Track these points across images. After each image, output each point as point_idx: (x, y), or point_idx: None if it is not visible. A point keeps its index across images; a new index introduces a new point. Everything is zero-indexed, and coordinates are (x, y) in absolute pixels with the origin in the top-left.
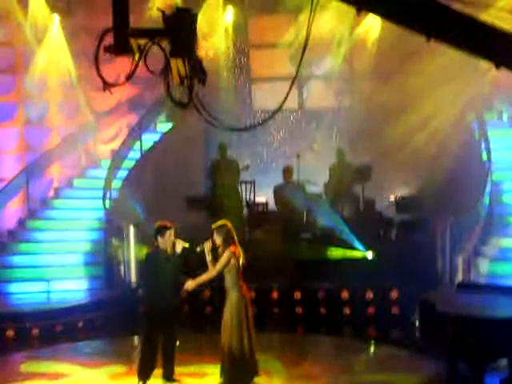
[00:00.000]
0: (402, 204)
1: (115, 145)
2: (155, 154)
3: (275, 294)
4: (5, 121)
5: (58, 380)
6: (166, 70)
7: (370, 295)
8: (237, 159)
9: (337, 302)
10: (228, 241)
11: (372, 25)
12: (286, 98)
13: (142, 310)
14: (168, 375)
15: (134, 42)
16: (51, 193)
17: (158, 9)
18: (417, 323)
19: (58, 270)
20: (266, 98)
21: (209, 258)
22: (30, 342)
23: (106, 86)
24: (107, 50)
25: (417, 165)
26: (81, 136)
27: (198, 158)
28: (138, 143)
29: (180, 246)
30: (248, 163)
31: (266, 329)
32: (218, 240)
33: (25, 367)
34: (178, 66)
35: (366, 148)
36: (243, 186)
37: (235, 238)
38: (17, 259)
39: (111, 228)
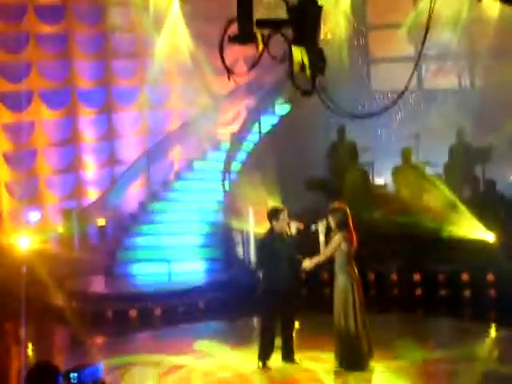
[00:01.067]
0: None
1: (235, 127)
2: (274, 137)
3: (394, 276)
4: (127, 105)
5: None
6: (288, 57)
7: (491, 277)
8: (355, 141)
9: (457, 284)
10: (342, 224)
11: (491, 1)
12: (410, 79)
13: (260, 293)
14: (288, 357)
15: (258, 31)
16: (172, 175)
17: None
18: None
19: (179, 252)
20: (384, 78)
21: (322, 238)
22: (152, 322)
23: (230, 74)
24: (232, 39)
25: None
26: (201, 119)
27: (316, 140)
28: (256, 125)
29: (294, 227)
30: (368, 146)
31: (385, 310)
32: (332, 222)
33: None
34: (299, 54)
35: (487, 128)
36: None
37: (350, 222)
38: (139, 241)
39: (230, 210)
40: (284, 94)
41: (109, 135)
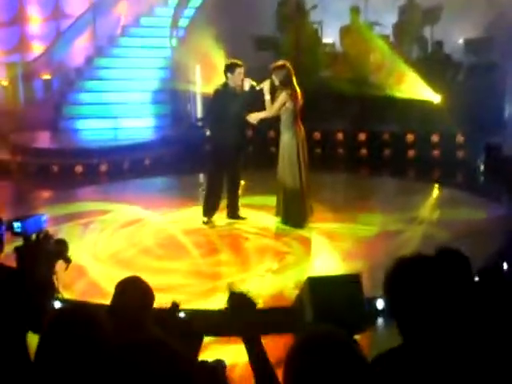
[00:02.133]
0: (471, 46)
1: None
2: None
3: (340, 136)
4: None
5: (125, 214)
6: None
7: (435, 138)
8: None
9: (402, 144)
10: (286, 82)
11: None
12: None
13: (209, 147)
14: (233, 213)
15: None
16: (118, 30)
17: None
18: (481, 167)
19: (126, 108)
20: None
21: (267, 97)
22: (98, 178)
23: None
24: None
25: (489, 3)
26: None
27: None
28: None
29: (248, 84)
30: (315, 3)
31: (330, 169)
32: (276, 81)
33: (94, 203)
34: None
35: None
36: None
37: (294, 79)
38: (84, 96)
39: (178, 67)
40: None
41: None
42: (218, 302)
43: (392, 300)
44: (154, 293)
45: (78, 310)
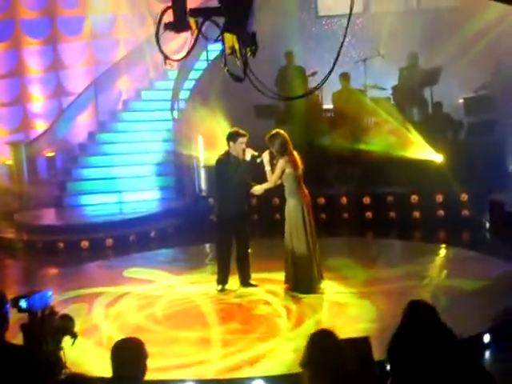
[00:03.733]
0: (471, 105)
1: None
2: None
3: (344, 200)
4: (73, 35)
5: (135, 286)
6: (221, 41)
7: (439, 198)
8: (303, 66)
9: (406, 205)
10: (282, 150)
11: None
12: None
13: (215, 216)
14: (245, 281)
15: (192, 19)
16: (120, 105)
17: None
18: (487, 225)
19: (130, 182)
20: (331, 5)
21: (267, 168)
22: (104, 253)
23: (167, 60)
24: (167, 27)
25: (487, 64)
26: (147, 48)
27: (266, 66)
28: (204, 53)
29: (249, 154)
30: (315, 70)
31: (336, 234)
32: (273, 150)
33: (104, 276)
34: (230, 39)
35: (434, 51)
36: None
37: (290, 146)
38: (88, 172)
39: (180, 138)
40: None
41: (55, 66)
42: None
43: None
44: (163, 360)
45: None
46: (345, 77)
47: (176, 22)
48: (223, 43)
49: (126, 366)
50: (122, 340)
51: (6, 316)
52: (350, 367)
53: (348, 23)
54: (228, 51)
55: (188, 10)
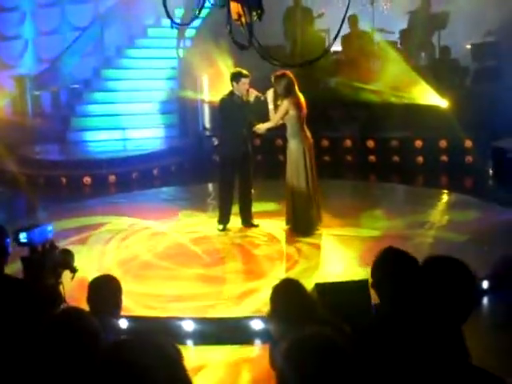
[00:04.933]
0: (478, 51)
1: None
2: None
3: (348, 142)
4: None
5: (136, 224)
6: (227, 8)
7: (443, 144)
8: (311, 7)
9: (410, 150)
10: (287, 91)
11: None
12: None
13: (218, 155)
14: (246, 221)
15: None
16: (126, 42)
17: None
18: (490, 171)
19: (134, 119)
20: None
21: (271, 106)
22: (106, 189)
23: (175, 24)
24: None
25: (496, 9)
26: None
27: (273, 5)
28: None
29: (253, 94)
30: (323, 11)
31: (339, 176)
32: (278, 90)
33: (103, 214)
34: (236, 5)
35: None
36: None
37: (295, 88)
38: (92, 108)
39: (185, 77)
40: None
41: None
42: (226, 309)
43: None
44: (164, 301)
45: (70, 315)
46: (354, 19)
47: None
48: (229, 9)
49: (103, 302)
50: (98, 277)
51: (6, 249)
52: (317, 315)
53: None
54: (235, 17)
55: None
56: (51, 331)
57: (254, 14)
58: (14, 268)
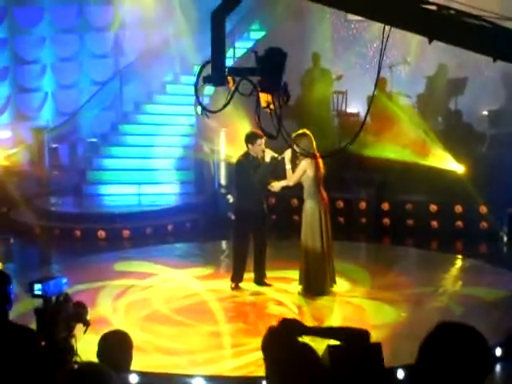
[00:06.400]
0: (494, 118)
1: (208, 51)
2: (248, 62)
3: (363, 205)
4: (101, 25)
5: (148, 278)
6: (256, 101)
7: (459, 209)
8: (330, 69)
9: (425, 214)
10: (306, 151)
11: None
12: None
13: (233, 213)
14: (259, 279)
15: (229, 76)
16: (144, 98)
17: (252, 50)
18: (505, 238)
19: (150, 174)
20: None
21: (288, 166)
22: (120, 244)
23: (205, 112)
24: (206, 80)
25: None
26: (175, 41)
27: (290, 66)
28: (231, 50)
29: (269, 155)
30: (341, 73)
31: (353, 238)
32: (297, 150)
33: (117, 267)
34: (265, 96)
35: (462, 62)
36: (335, 96)
37: (314, 148)
38: (109, 162)
39: (203, 134)
40: (259, 19)
41: (81, 55)
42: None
43: (425, 367)
44: (172, 356)
45: (90, 369)
46: (382, 82)
47: (214, 77)
48: (258, 99)
49: (113, 358)
50: (109, 332)
51: (9, 296)
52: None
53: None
54: (264, 105)
55: (227, 68)
56: None
57: (281, 99)
58: (28, 320)
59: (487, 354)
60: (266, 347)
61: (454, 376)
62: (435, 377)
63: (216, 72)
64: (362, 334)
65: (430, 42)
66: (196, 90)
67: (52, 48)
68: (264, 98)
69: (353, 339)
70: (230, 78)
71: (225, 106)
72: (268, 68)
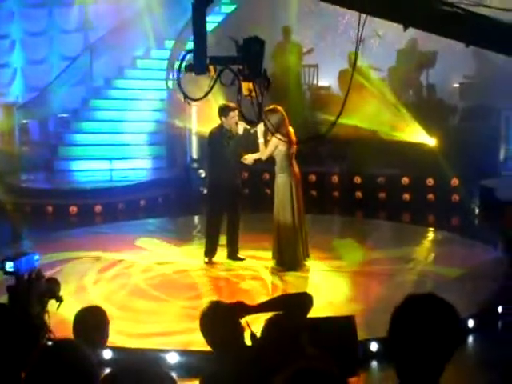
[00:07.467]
0: (466, 90)
1: (179, 25)
2: (219, 36)
3: (336, 178)
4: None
5: (120, 253)
6: (237, 87)
7: (430, 182)
8: (300, 42)
9: (397, 187)
10: (278, 126)
11: None
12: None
13: (206, 188)
14: (233, 254)
15: (211, 65)
16: (115, 72)
17: (231, 38)
18: (476, 210)
19: (121, 149)
20: None
21: (261, 140)
22: (92, 219)
23: (187, 99)
24: (188, 69)
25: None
26: (146, 15)
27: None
28: None
29: (242, 127)
30: (312, 47)
31: (325, 212)
32: (269, 124)
33: (88, 242)
34: (247, 84)
35: (433, 35)
36: (306, 70)
37: (286, 123)
38: (80, 137)
39: (174, 108)
40: None
41: (49, 29)
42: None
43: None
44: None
45: (64, 346)
46: (353, 55)
47: (196, 66)
48: (239, 87)
49: (89, 334)
50: (85, 308)
51: None
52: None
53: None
54: (246, 93)
55: (208, 57)
56: (46, 363)
57: (262, 86)
58: None
59: (457, 324)
60: (201, 330)
61: (424, 347)
62: (406, 348)
63: (198, 60)
64: (303, 299)
65: (405, 29)
66: (179, 80)
67: (21, 23)
68: (246, 86)
69: (292, 307)
70: (211, 67)
71: (206, 93)
72: (248, 56)
